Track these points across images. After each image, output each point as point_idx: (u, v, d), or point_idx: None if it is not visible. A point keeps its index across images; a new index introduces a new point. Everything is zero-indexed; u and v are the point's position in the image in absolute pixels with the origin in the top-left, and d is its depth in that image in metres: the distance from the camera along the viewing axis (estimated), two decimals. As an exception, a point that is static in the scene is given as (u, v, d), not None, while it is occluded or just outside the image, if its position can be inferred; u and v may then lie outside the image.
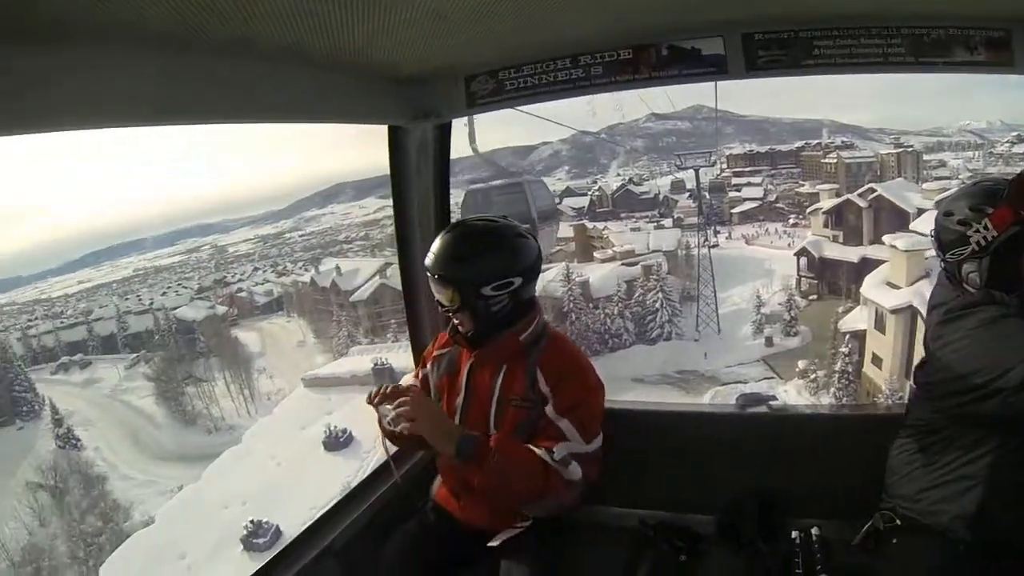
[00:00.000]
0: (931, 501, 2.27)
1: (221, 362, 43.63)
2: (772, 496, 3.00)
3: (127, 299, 57.78)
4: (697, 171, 49.54)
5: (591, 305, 36.86)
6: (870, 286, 26.81)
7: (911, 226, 28.83)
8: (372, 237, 67.87)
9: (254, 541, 19.70)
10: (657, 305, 37.16)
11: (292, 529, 18.46)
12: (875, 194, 37.13)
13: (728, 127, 76.39)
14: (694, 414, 3.60)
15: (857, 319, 27.89)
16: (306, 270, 57.41)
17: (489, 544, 2.54)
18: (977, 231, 2.16)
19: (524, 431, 2.44)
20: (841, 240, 37.25)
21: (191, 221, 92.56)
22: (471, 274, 2.47)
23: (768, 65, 2.77)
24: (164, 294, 56.91)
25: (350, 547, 2.80)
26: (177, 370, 43.69)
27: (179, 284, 61.49)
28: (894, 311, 24.50)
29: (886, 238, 27.29)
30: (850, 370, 27.57)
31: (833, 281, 35.61)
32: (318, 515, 2.88)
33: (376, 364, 27.95)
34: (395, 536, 2.71)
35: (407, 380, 2.77)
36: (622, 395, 13.20)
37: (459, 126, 3.42)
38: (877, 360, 26.03)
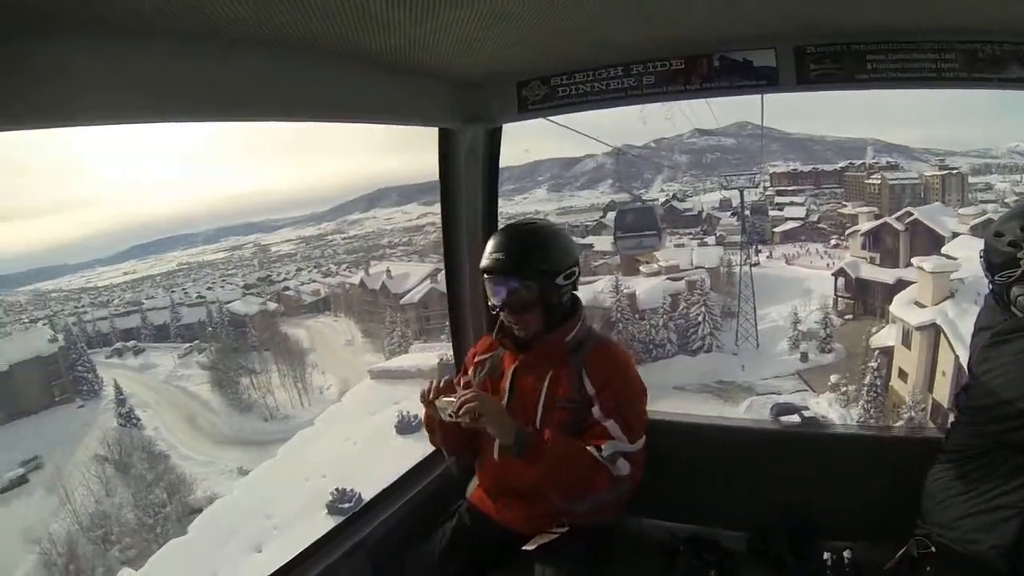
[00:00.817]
0: (968, 529, 2.27)
1: (272, 355, 47.36)
2: (804, 515, 3.04)
3: (173, 291, 62.32)
4: (742, 191, 53.99)
5: (637, 316, 40.34)
6: (899, 305, 30.04)
7: (943, 249, 32.32)
8: (415, 243, 70.78)
9: (340, 506, 22.55)
10: (700, 319, 40.50)
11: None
12: (912, 218, 40.44)
13: (773, 144, 79.28)
14: (728, 428, 3.64)
15: (886, 336, 31.20)
16: (352, 272, 61.53)
17: (524, 548, 2.61)
18: None
19: (569, 432, 2.54)
20: (878, 262, 40.44)
21: (235, 219, 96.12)
22: (550, 262, 2.56)
23: (820, 79, 2.82)
24: (210, 288, 61.14)
25: (383, 544, 2.88)
26: (231, 361, 47.50)
27: (223, 279, 65.99)
28: (919, 328, 27.55)
29: (915, 260, 30.50)
30: (878, 383, 30.69)
31: (868, 301, 38.33)
32: (352, 512, 2.99)
33: (442, 359, 31.08)
34: (429, 535, 2.80)
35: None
36: (664, 401, 19.35)
37: (509, 132, 3.48)
38: (903, 374, 29.22)
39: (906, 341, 29.08)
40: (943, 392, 26.90)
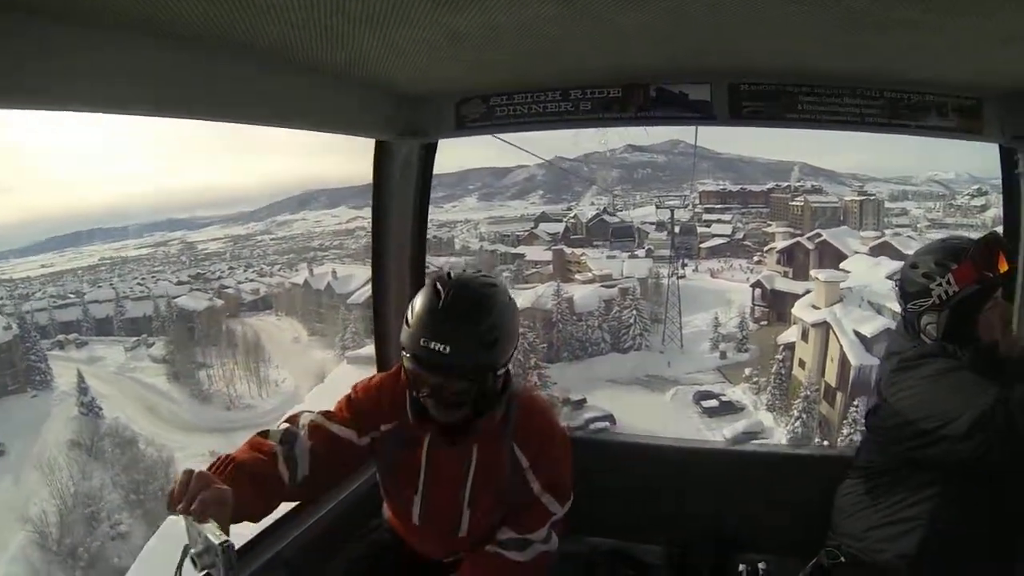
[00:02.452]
0: (875, 540, 2.71)
1: (224, 350, 52.99)
2: (721, 529, 3.51)
3: (101, 285, 65.32)
4: (672, 210, 62.55)
5: (575, 318, 48.26)
6: (799, 307, 40.23)
7: (841, 265, 42.45)
8: (346, 246, 75.29)
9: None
10: (631, 321, 49.13)
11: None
12: (821, 238, 50.13)
13: (704, 163, 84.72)
14: (649, 446, 4.08)
15: (790, 334, 40.88)
16: (290, 272, 67.24)
17: (445, 560, 2.77)
18: (940, 285, 2.59)
19: (501, 510, 2.64)
20: (790, 275, 49.78)
21: (160, 215, 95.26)
22: (500, 357, 2.44)
23: (752, 115, 3.23)
24: (141, 284, 64.55)
25: (301, 557, 3.02)
26: (185, 354, 52.25)
27: (152, 275, 68.92)
28: (814, 325, 37.62)
29: (812, 272, 40.98)
30: (783, 372, 40.37)
31: (781, 309, 46.85)
32: (269, 522, 3.00)
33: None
34: (348, 549, 2.94)
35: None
36: (599, 392, 32.10)
37: (445, 145, 3.74)
38: (802, 363, 38.91)
39: (804, 337, 38.94)
40: (832, 375, 36.72)
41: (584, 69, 3.17)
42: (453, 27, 2.27)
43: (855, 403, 34.18)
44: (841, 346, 35.98)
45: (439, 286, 2.42)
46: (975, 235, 2.82)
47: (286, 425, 2.59)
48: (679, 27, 2.45)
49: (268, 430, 2.57)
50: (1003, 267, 2.60)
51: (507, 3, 2.07)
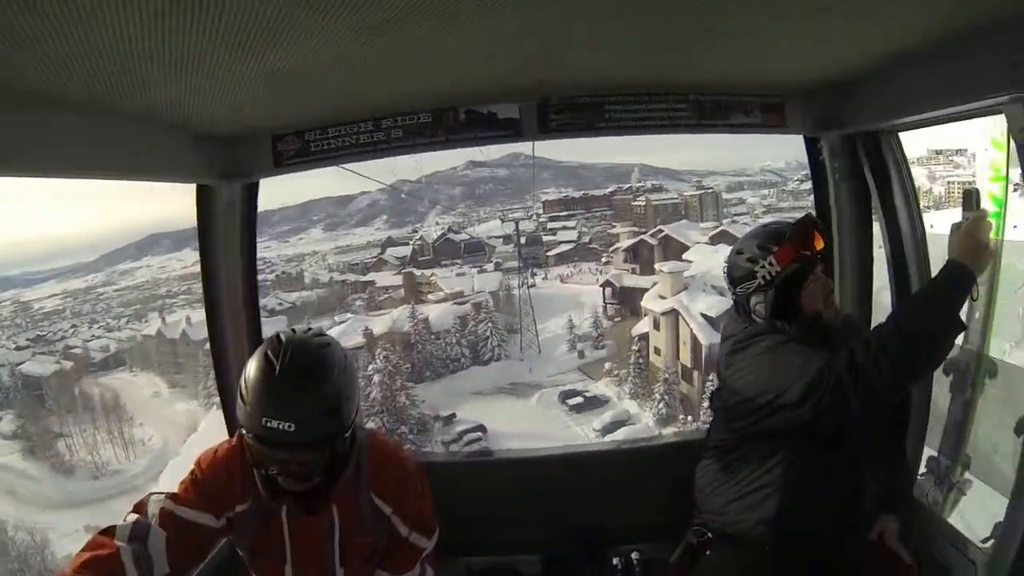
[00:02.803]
0: (736, 511, 2.90)
1: (81, 415, 50.05)
2: (592, 529, 3.76)
3: None
4: (517, 223, 65.84)
5: (433, 337, 49.55)
6: (648, 299, 42.93)
7: (683, 256, 45.95)
8: (195, 291, 68.47)
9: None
10: (488, 333, 51.11)
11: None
12: (663, 233, 53.61)
13: (545, 172, 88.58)
14: (513, 460, 4.29)
15: (643, 326, 43.54)
16: (140, 324, 65.34)
17: None
18: (763, 267, 2.81)
19: (374, 558, 2.69)
20: (638, 271, 52.93)
21: None
22: (346, 420, 2.39)
23: (561, 128, 3.41)
24: None
25: None
26: (38, 425, 49.08)
27: None
28: (664, 314, 40.38)
29: (657, 265, 44.02)
30: (641, 362, 43.06)
31: (632, 304, 49.75)
32: None
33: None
34: None
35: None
36: (466, 405, 36.39)
37: (270, 183, 3.70)
38: (657, 351, 41.62)
39: (656, 326, 41.63)
40: (686, 357, 39.86)
41: (393, 98, 3.28)
42: (256, 70, 2.29)
43: (710, 377, 37.30)
44: (691, 329, 39.11)
45: (271, 355, 2.34)
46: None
47: (134, 517, 2.46)
48: (493, 47, 2.54)
49: (114, 526, 2.42)
50: (819, 244, 2.84)
51: (306, 45, 2.12)
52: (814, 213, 3.53)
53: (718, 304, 38.25)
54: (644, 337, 43.87)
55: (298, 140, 3.47)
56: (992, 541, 2.87)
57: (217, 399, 3.90)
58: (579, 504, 3.79)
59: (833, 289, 3.09)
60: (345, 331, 49.16)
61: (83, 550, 2.37)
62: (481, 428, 41.49)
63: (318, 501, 2.51)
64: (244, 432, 2.33)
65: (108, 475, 45.32)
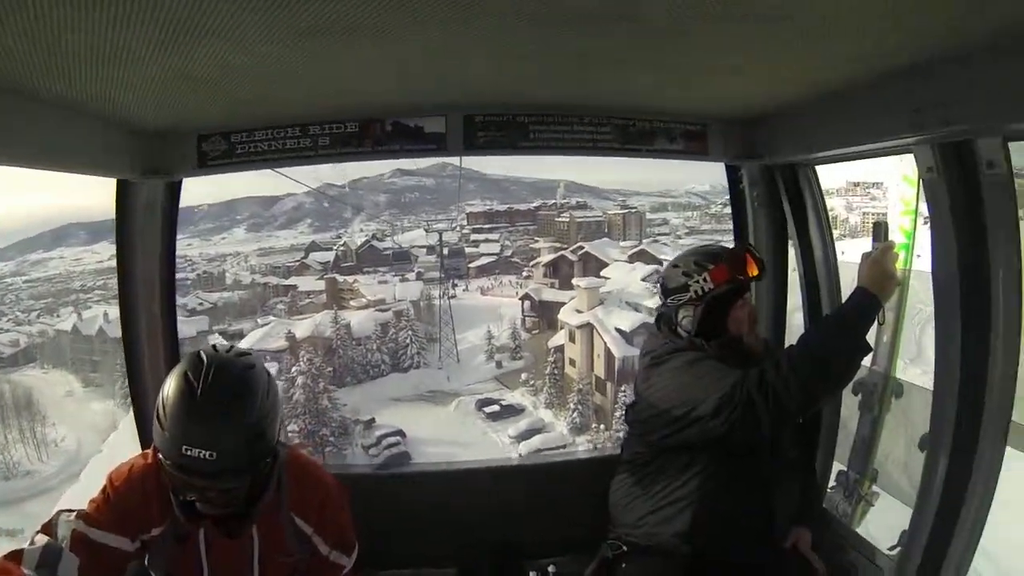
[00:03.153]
0: (651, 524, 3.06)
1: None
2: (507, 542, 3.87)
3: None
4: (440, 234, 67.11)
5: (354, 342, 50.91)
6: (565, 313, 45.67)
7: (602, 273, 48.81)
8: (111, 287, 66.03)
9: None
10: (408, 341, 52.48)
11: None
12: (583, 250, 56.10)
13: (471, 184, 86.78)
14: (427, 473, 4.42)
15: (559, 338, 46.09)
16: (58, 316, 62.97)
17: None
18: (697, 282, 3.03)
19: None
20: (557, 286, 55.16)
21: None
22: (269, 443, 2.41)
23: (486, 145, 3.56)
24: None
25: None
26: None
27: None
28: (579, 327, 43.17)
29: (574, 281, 47.13)
30: (556, 373, 45.61)
31: (550, 317, 51.92)
32: None
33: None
34: None
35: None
36: (386, 411, 38.88)
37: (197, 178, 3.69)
38: (572, 362, 44.31)
39: (572, 338, 44.38)
40: (600, 369, 42.52)
41: (323, 105, 3.32)
42: (183, 67, 2.28)
43: (623, 389, 39.69)
44: (605, 342, 41.80)
45: (191, 376, 2.28)
46: (726, 239, 3.31)
47: (44, 539, 2.39)
48: (411, 64, 2.59)
49: (22, 549, 2.36)
50: (752, 271, 3.03)
51: (234, 44, 2.10)
52: (733, 237, 3.96)
53: (632, 319, 41.12)
54: (560, 349, 46.46)
55: (224, 141, 3.50)
56: (898, 548, 3.14)
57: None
58: (495, 518, 3.88)
59: (758, 319, 3.37)
60: (268, 333, 50.72)
61: None
62: (400, 433, 43.12)
63: (238, 524, 2.51)
64: (161, 458, 2.29)
65: (20, 476, 44.78)
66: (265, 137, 3.51)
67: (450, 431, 43.60)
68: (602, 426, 42.48)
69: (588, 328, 43.93)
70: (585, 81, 3.06)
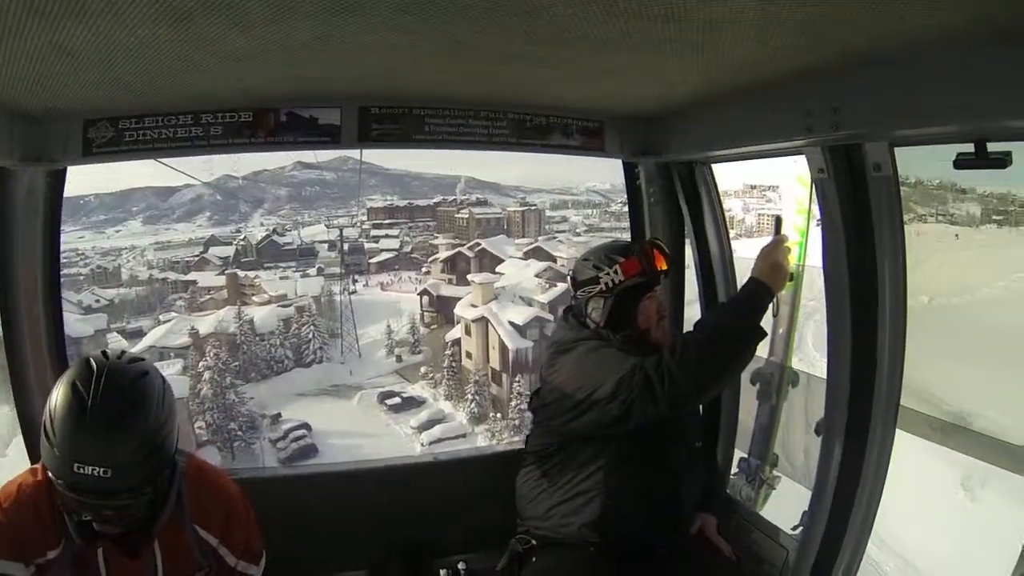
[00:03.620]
0: (560, 516, 3.14)
1: None
2: (416, 541, 3.90)
3: None
4: (341, 229, 69.74)
5: (257, 338, 53.24)
6: (460, 307, 49.12)
7: (497, 269, 52.45)
8: None
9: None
10: (310, 336, 54.94)
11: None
12: (480, 247, 59.38)
13: (372, 179, 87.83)
14: (331, 474, 4.33)
15: (456, 332, 49.48)
16: None
17: None
18: (608, 274, 3.15)
19: None
20: (454, 282, 58.12)
21: None
22: (167, 456, 2.35)
23: (380, 137, 3.56)
24: None
25: None
26: None
27: None
28: (474, 321, 46.74)
29: (469, 276, 50.47)
30: (454, 365, 48.80)
31: (448, 312, 54.32)
32: None
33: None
34: None
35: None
36: (291, 406, 42.89)
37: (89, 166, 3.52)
38: (469, 355, 47.72)
39: (468, 332, 47.89)
40: (496, 360, 46.03)
41: (214, 93, 3.22)
42: (61, 42, 2.17)
43: (517, 379, 43.57)
44: (499, 335, 45.39)
45: (81, 387, 2.20)
46: (625, 236, 3.80)
47: None
48: (291, 53, 2.54)
49: None
50: (661, 265, 3.20)
51: (112, 22, 2.02)
52: (630, 233, 4.17)
53: (526, 313, 45.03)
54: (457, 342, 50.16)
55: (111, 128, 3.31)
56: (800, 528, 3.39)
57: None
58: (404, 517, 3.90)
59: (667, 313, 3.43)
60: (171, 330, 51.31)
61: None
62: (306, 426, 45.33)
63: (139, 541, 2.45)
64: (52, 476, 2.22)
65: None
66: (155, 124, 3.39)
67: (354, 423, 46.02)
68: (499, 415, 45.78)
69: (483, 322, 47.53)
70: (482, 75, 3.10)
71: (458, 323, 51.18)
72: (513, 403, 44.19)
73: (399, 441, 44.51)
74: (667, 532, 3.25)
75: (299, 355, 55.07)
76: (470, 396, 47.64)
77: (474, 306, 48.83)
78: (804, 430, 3.55)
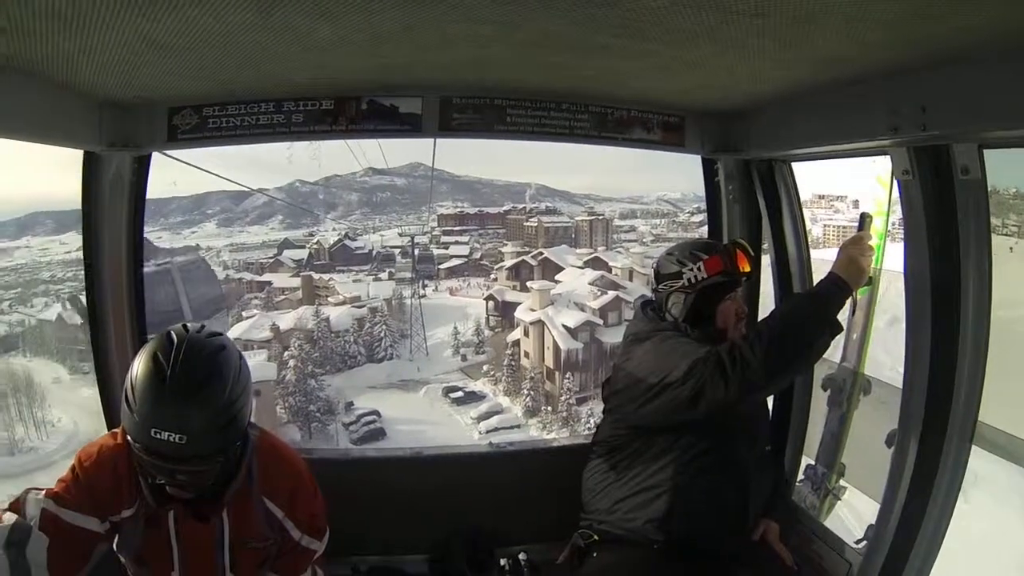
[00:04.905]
0: (625, 511, 3.25)
1: None
2: (478, 529, 4.12)
3: None
4: (412, 237, 76.90)
5: (333, 335, 60.25)
6: (520, 311, 56.16)
7: (556, 277, 59.05)
8: (82, 279, 65.27)
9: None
10: (382, 335, 62.56)
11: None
12: (543, 256, 65.42)
13: (442, 186, 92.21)
14: (400, 460, 4.57)
15: (516, 333, 56.39)
16: (31, 306, 66.97)
17: None
18: (691, 270, 3.28)
19: (265, 564, 2.96)
20: (518, 288, 65.09)
21: None
22: (241, 428, 2.62)
23: (461, 127, 3.73)
24: None
25: None
26: None
27: None
28: (532, 323, 53.58)
29: (528, 283, 57.76)
30: (513, 364, 55.36)
31: (511, 316, 60.83)
32: None
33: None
34: None
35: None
36: (362, 397, 52.32)
37: (171, 163, 3.79)
38: (527, 354, 54.38)
39: (526, 333, 54.80)
40: (550, 360, 54.07)
41: (297, 80, 3.43)
42: (150, 33, 2.34)
43: (567, 376, 51.71)
44: (554, 337, 52.26)
45: (161, 358, 2.43)
46: None
47: (12, 517, 2.54)
48: (378, 42, 2.71)
49: None
50: (744, 266, 3.33)
51: (203, 10, 2.17)
52: (707, 232, 4.43)
53: (577, 318, 52.12)
54: (516, 343, 57.59)
55: (195, 115, 3.61)
56: (864, 542, 3.45)
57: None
58: (467, 505, 4.17)
59: (746, 316, 3.53)
60: (254, 325, 58.09)
61: None
62: (376, 413, 52.31)
63: (209, 507, 2.71)
64: (130, 440, 2.48)
65: (24, 452, 48.82)
66: (238, 112, 3.63)
67: (419, 413, 52.72)
68: (550, 408, 52.67)
69: (540, 324, 54.58)
70: (565, 67, 3.16)
71: (518, 326, 58.03)
72: (563, 398, 51.61)
73: (459, 429, 50.93)
74: (731, 536, 3.36)
75: (371, 351, 61.98)
76: (525, 391, 54.22)
77: (532, 310, 56.04)
78: (874, 440, 3.54)
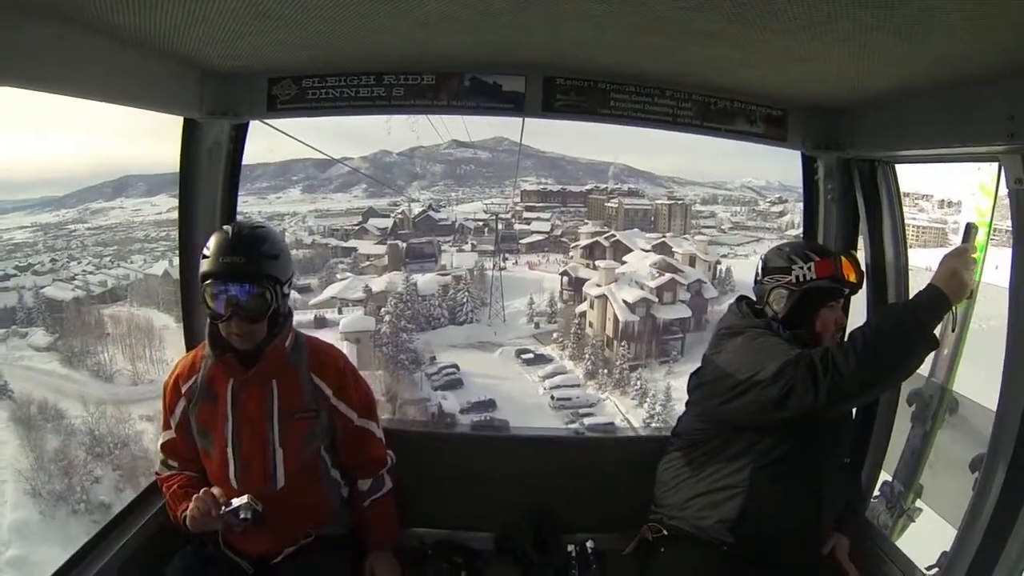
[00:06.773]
0: (697, 508, 3.38)
1: (105, 336, 64.21)
2: (546, 513, 4.30)
3: None
4: (496, 215, 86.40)
5: (420, 299, 71.20)
6: (587, 286, 69.93)
7: (623, 258, 70.76)
8: (173, 237, 58.50)
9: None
10: (464, 300, 73.79)
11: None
12: (614, 237, 77.80)
13: (527, 161, 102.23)
14: (472, 437, 4.92)
15: (584, 306, 68.35)
16: (131, 262, 78.05)
17: (272, 562, 3.45)
18: (801, 268, 3.41)
19: (312, 441, 3.46)
20: (591, 266, 76.13)
21: None
22: (283, 270, 3.31)
23: (564, 108, 3.91)
24: None
25: (122, 572, 3.53)
26: (66, 341, 62.54)
27: None
28: (597, 297, 67.67)
29: (596, 263, 70.05)
30: (579, 332, 68.28)
31: (581, 290, 71.89)
32: (80, 545, 3.54)
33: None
34: (173, 562, 3.51)
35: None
36: (444, 353, 69.25)
37: (260, 131, 4.22)
38: (591, 324, 66.85)
39: (592, 306, 66.97)
40: (610, 330, 65.59)
41: (398, 54, 3.63)
42: (258, 3, 2.56)
43: (623, 344, 63.04)
44: (615, 310, 65.50)
45: (225, 227, 3.30)
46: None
47: (163, 467, 3.61)
48: (486, 19, 2.86)
49: (162, 471, 3.61)
50: (849, 275, 3.50)
51: None
52: (803, 231, 4.61)
53: (636, 294, 65.31)
54: (583, 314, 69.10)
55: (295, 85, 3.92)
56: (936, 570, 3.47)
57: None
58: (537, 488, 4.37)
59: (844, 327, 3.65)
60: (348, 287, 70.38)
61: (175, 492, 3.49)
62: (455, 367, 63.26)
63: (258, 362, 3.34)
64: (206, 283, 3.23)
65: (145, 383, 57.69)
66: (338, 84, 3.92)
67: (493, 369, 64.29)
68: (606, 371, 63.86)
69: (603, 298, 66.10)
70: (672, 53, 3.26)
71: (585, 299, 69.11)
72: (618, 363, 63.19)
73: (527, 385, 62.23)
74: (802, 545, 3.47)
75: (453, 315, 72.87)
76: (587, 356, 64.97)
77: (598, 285, 67.81)
78: (958, 463, 3.58)
